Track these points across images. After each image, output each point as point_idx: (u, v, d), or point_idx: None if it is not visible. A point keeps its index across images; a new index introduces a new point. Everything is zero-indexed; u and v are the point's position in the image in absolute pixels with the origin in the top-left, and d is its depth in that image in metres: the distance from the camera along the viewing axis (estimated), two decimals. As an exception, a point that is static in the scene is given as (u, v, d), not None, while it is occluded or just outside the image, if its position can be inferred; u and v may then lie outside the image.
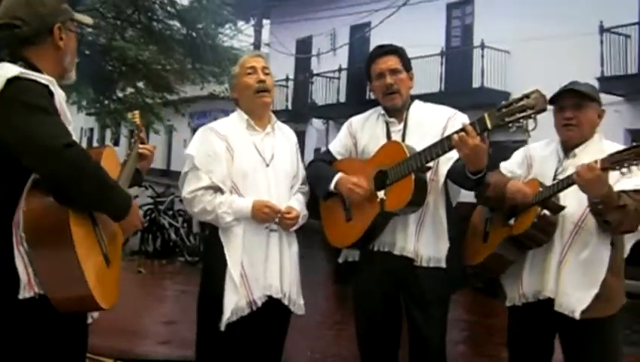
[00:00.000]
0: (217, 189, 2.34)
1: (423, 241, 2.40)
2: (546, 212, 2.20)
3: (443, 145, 2.21)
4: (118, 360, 2.81)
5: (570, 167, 2.24)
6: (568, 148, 2.32)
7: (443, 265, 2.38)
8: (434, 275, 2.38)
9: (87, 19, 1.93)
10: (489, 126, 2.06)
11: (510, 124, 2.05)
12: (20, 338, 1.65)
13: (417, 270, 2.37)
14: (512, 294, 2.35)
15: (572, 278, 2.20)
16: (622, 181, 2.12)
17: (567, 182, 2.13)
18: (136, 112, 2.24)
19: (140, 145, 2.13)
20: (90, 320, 1.88)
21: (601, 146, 2.26)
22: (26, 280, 1.60)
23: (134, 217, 1.84)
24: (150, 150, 2.17)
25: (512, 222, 2.31)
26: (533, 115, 2.02)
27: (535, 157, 2.42)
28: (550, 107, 2.14)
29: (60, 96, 1.75)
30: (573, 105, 2.28)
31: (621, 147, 2.12)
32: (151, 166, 2.25)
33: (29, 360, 1.67)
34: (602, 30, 10.11)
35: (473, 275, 2.53)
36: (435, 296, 2.39)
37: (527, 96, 2.03)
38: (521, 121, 2.04)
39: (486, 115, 2.08)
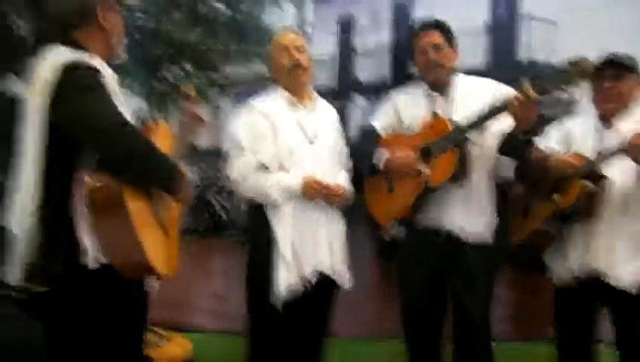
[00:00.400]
0: (264, 168, 2.36)
1: (469, 217, 2.38)
2: (591, 184, 2.19)
3: (485, 116, 2.20)
4: (172, 332, 2.92)
5: (612, 139, 2.22)
6: (607, 120, 2.29)
7: (489, 241, 2.38)
8: (480, 251, 2.37)
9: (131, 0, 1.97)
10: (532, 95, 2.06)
11: (554, 92, 2.04)
12: (88, 306, 1.75)
13: (463, 246, 2.36)
14: (558, 270, 2.33)
15: (622, 250, 2.18)
16: None
17: (615, 152, 2.12)
18: (190, 85, 2.27)
19: (192, 115, 2.12)
20: (149, 289, 1.93)
21: None
22: (92, 250, 1.70)
23: (187, 191, 1.90)
24: (202, 119, 2.13)
25: (555, 196, 2.28)
26: (577, 83, 2.01)
27: (574, 133, 2.39)
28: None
29: (109, 76, 1.80)
30: (613, 76, 2.25)
31: None
32: (199, 146, 2.31)
33: (99, 325, 1.78)
34: (657, -3, 9.70)
35: (517, 253, 2.52)
36: (481, 273, 2.39)
37: (572, 63, 2.02)
38: (564, 88, 2.03)
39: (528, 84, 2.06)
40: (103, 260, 1.72)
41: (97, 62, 1.77)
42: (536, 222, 2.36)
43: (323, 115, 2.51)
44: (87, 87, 1.70)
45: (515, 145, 2.22)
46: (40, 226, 1.72)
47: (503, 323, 4.60)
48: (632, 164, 2.12)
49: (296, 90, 2.43)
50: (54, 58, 1.73)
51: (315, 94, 2.52)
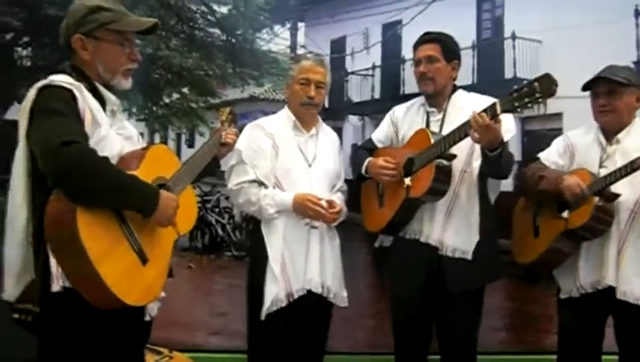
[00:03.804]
0: (261, 183, 2.46)
1: (450, 231, 2.47)
2: (602, 202, 2.25)
3: (460, 131, 2.37)
4: (173, 351, 2.94)
5: (617, 153, 2.30)
6: (609, 134, 2.33)
7: (469, 257, 2.45)
8: (459, 266, 2.47)
9: (127, 26, 1.88)
10: (498, 111, 2.17)
11: (519, 109, 2.15)
12: (58, 330, 1.74)
13: (442, 259, 2.46)
14: (568, 286, 2.42)
15: (633, 265, 2.29)
16: None
17: (628, 170, 2.20)
18: (227, 109, 2.31)
19: (224, 133, 2.11)
20: (148, 318, 1.91)
21: None
22: (56, 274, 1.68)
23: (166, 210, 1.78)
24: (233, 137, 2.19)
25: (565, 214, 2.36)
26: (541, 100, 2.10)
27: (577, 146, 2.43)
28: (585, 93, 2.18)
29: (87, 99, 1.77)
30: (607, 92, 2.31)
31: None
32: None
33: (78, 352, 1.76)
34: (638, 14, 10.01)
35: (512, 263, 2.57)
36: (460, 287, 2.49)
37: (536, 80, 2.11)
38: (530, 105, 2.12)
39: (497, 102, 2.24)
40: (64, 284, 1.70)
41: (73, 84, 1.74)
42: (547, 240, 2.40)
43: (324, 139, 2.59)
44: (48, 108, 1.69)
45: (488, 160, 2.37)
46: (28, 249, 1.75)
47: (501, 332, 4.74)
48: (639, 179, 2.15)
49: (304, 118, 2.59)
50: (39, 83, 1.76)
51: (320, 120, 2.68)
